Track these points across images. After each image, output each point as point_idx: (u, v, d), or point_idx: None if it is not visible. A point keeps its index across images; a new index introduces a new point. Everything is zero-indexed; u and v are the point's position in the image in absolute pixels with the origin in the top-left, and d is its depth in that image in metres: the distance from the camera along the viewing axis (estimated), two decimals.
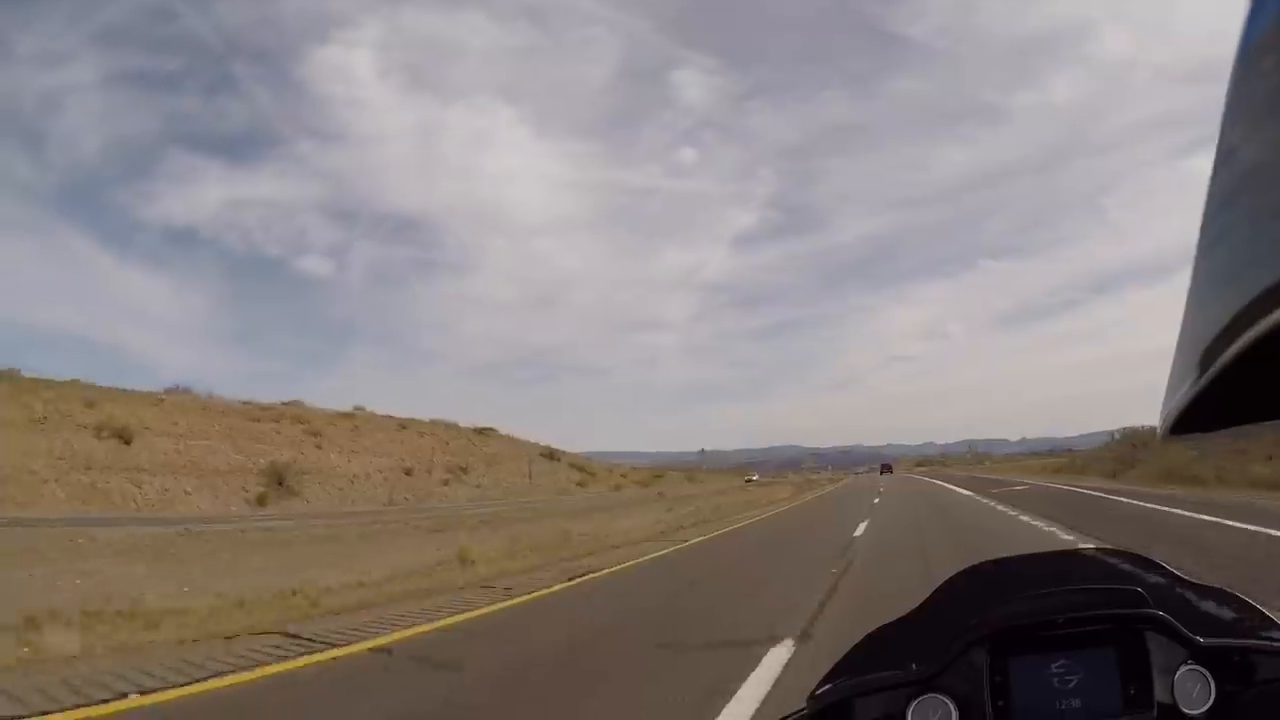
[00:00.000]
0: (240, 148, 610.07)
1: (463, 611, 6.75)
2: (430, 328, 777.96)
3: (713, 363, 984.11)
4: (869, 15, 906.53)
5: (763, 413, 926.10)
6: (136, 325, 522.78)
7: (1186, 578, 1.03)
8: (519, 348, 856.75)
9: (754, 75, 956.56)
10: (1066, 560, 1.18)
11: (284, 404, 39.07)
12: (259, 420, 34.71)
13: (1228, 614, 0.95)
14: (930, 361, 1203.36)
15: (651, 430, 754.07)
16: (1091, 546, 1.15)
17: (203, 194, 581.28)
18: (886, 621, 1.07)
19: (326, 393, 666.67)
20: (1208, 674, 0.86)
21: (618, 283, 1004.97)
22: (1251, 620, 0.93)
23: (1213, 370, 0.34)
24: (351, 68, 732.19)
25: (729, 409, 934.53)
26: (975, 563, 1.14)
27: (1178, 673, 0.87)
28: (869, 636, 1.05)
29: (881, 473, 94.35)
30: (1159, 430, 0.44)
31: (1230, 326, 0.32)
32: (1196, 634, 0.86)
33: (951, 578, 1.10)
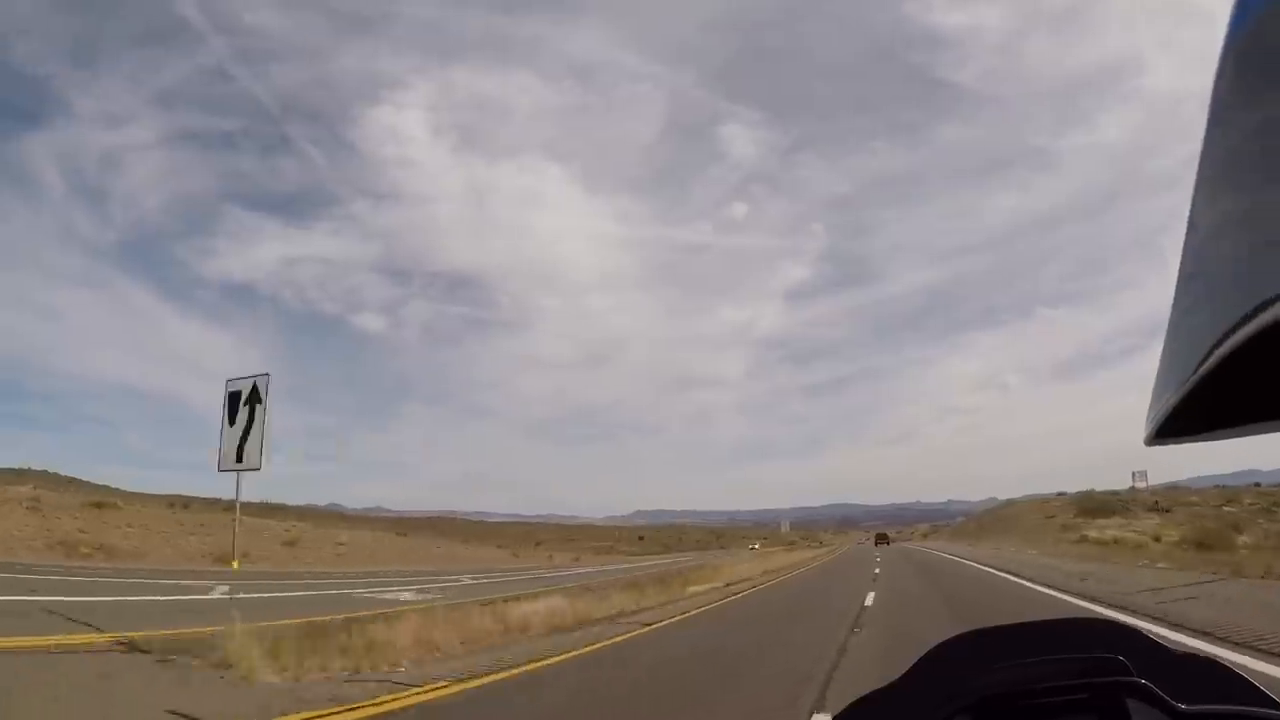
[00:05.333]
0: (296, 206, 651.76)
1: None
2: (483, 385, 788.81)
3: (767, 419, 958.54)
4: (914, 63, 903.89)
5: (819, 470, 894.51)
6: (191, 378, 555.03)
7: (1169, 646, 1.03)
8: (571, 405, 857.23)
9: (801, 127, 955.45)
10: (1050, 629, 1.15)
11: None
12: None
13: (1209, 681, 0.95)
14: (989, 413, 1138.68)
15: (706, 489, 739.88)
16: (1074, 616, 1.19)
17: (260, 251, 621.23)
18: (871, 690, 1.05)
19: (378, 447, 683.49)
20: None
21: (671, 340, 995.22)
22: (1232, 687, 0.93)
23: (1196, 378, 0.37)
24: (403, 128, 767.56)
25: (784, 466, 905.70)
26: (960, 631, 1.13)
27: None
28: (853, 705, 1.04)
29: (876, 544, 75.02)
30: (1145, 436, 0.47)
31: (1213, 334, 0.35)
32: (1178, 701, 0.85)
33: (936, 646, 1.10)
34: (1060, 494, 67.52)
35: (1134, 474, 63.74)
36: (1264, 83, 0.36)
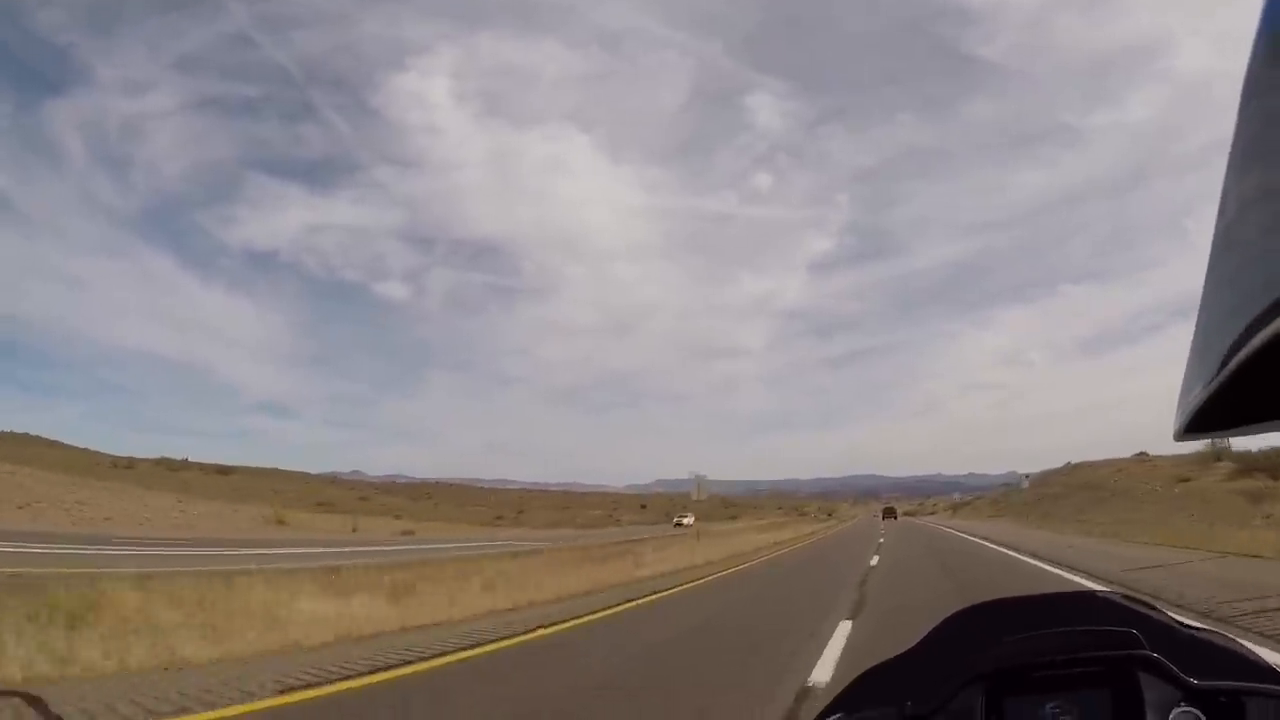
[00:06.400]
0: (319, 174, 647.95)
1: None
2: (506, 353, 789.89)
3: (789, 391, 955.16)
4: (942, 35, 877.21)
5: (840, 441, 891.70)
6: (217, 346, 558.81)
7: (1181, 621, 1.04)
8: (595, 374, 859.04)
9: (827, 99, 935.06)
10: (1062, 601, 1.16)
11: None
12: None
13: (1221, 656, 0.95)
14: (1011, 389, 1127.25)
15: (727, 459, 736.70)
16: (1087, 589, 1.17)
17: (282, 219, 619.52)
18: (882, 660, 1.09)
19: (400, 414, 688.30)
20: (1201, 716, 0.86)
21: (694, 309, 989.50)
22: (1244, 662, 0.93)
23: (1226, 371, 0.35)
24: (428, 95, 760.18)
25: (806, 437, 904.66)
26: (973, 603, 1.14)
27: (1171, 714, 0.87)
28: (864, 674, 1.04)
29: (883, 519, 73.11)
30: (1174, 432, 0.44)
31: (1243, 327, 0.33)
32: (1190, 676, 0.87)
33: (948, 617, 1.09)
34: (1142, 454, 54.03)
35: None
36: None
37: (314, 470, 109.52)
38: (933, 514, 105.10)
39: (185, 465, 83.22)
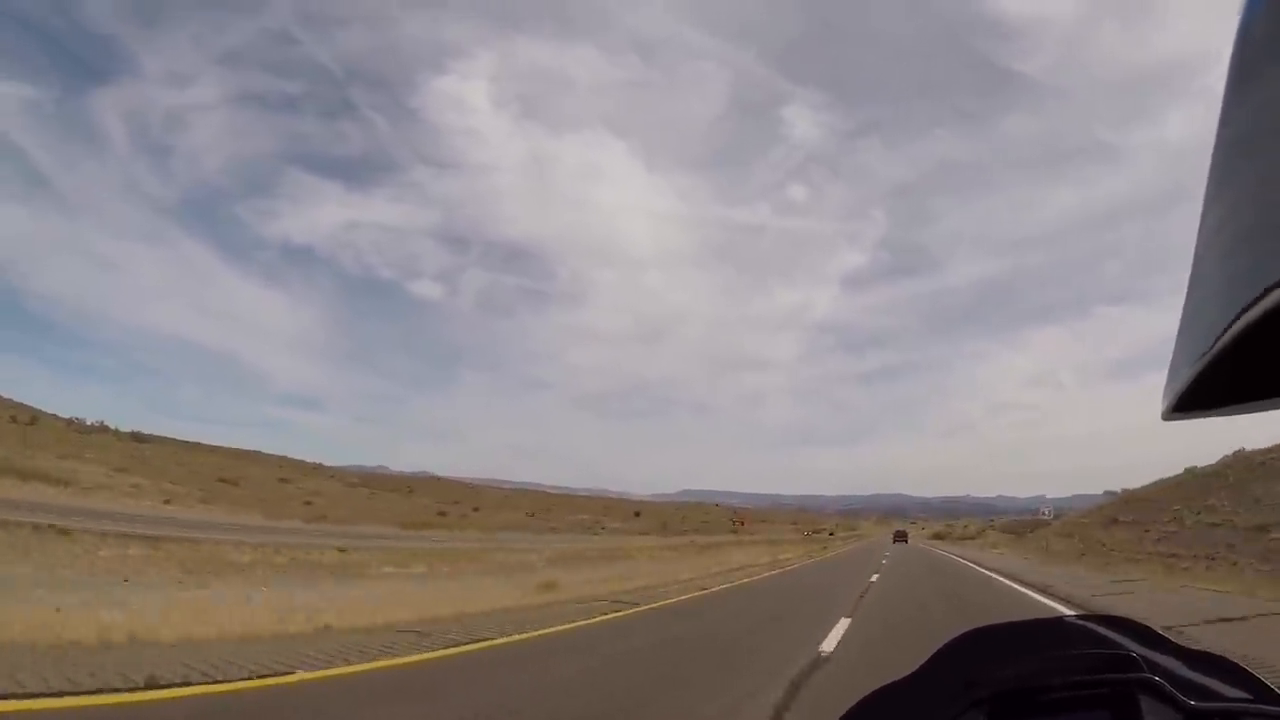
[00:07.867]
0: (357, 172, 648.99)
1: None
2: (537, 356, 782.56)
3: (818, 405, 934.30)
4: (980, 50, 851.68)
5: (868, 458, 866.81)
6: (251, 337, 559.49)
7: (1180, 643, 1.04)
8: (623, 381, 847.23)
9: (863, 112, 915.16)
10: (1062, 625, 1.17)
11: None
12: None
13: (1219, 678, 0.94)
14: (1041, 411, 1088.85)
15: (753, 472, 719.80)
16: (1086, 613, 1.21)
17: (319, 215, 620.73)
18: (882, 684, 1.07)
19: (429, 413, 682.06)
20: None
21: (724, 320, 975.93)
22: (1242, 684, 0.93)
23: (1214, 351, 0.36)
24: (466, 98, 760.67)
25: (833, 453, 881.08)
26: (972, 627, 1.14)
27: None
28: (865, 700, 1.03)
29: (895, 541, 68.07)
30: (1161, 412, 0.45)
31: (1231, 307, 0.34)
32: (1189, 698, 0.86)
33: (948, 642, 1.09)
34: None
35: None
36: (1274, 62, 0.35)
37: (339, 463, 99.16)
38: (969, 538, 75.55)
39: (101, 429, 74.57)
